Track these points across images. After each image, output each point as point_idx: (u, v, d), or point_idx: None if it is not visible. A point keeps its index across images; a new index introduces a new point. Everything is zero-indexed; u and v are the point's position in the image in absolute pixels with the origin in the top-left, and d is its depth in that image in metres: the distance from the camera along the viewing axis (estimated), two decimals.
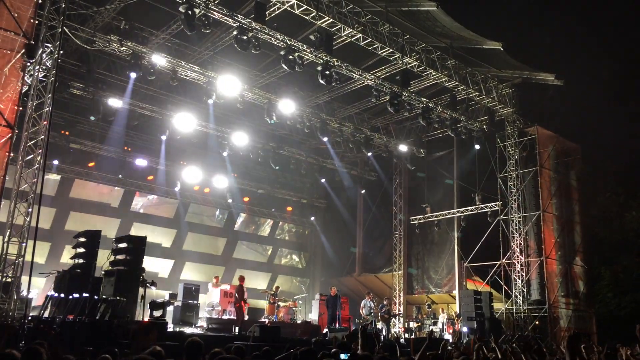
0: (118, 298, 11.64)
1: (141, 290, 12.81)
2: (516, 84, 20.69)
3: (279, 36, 15.32)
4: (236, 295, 16.08)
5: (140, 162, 22.07)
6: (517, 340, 17.21)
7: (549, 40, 26.90)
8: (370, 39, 16.12)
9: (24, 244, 12.02)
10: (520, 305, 19.73)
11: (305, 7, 14.64)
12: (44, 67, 13.10)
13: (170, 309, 16.03)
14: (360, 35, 15.91)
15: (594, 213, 23.77)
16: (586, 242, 21.88)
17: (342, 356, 5.41)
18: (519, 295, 19.82)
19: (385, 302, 19.54)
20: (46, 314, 11.82)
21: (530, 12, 26.78)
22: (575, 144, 22.25)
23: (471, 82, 19.17)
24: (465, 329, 18.04)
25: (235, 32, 14.52)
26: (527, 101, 21.11)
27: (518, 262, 20.14)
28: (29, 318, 11.60)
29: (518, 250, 20.26)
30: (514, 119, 20.89)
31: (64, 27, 13.27)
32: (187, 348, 5.02)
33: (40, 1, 12.35)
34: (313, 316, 20.19)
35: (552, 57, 24.52)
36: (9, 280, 11.84)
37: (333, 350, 5.95)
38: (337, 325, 17.21)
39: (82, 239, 12.32)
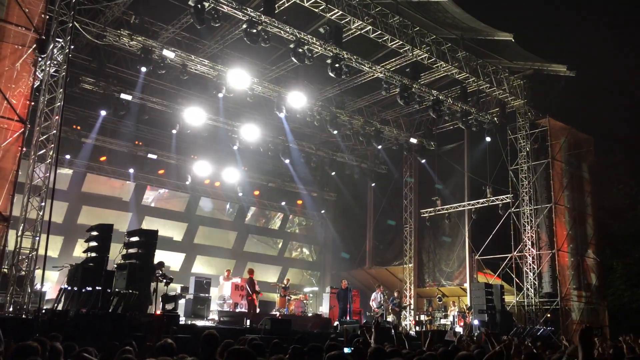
0: (130, 291, 11.73)
1: (153, 283, 12.92)
2: (527, 75, 20.50)
3: (288, 29, 15.28)
4: (247, 288, 16.16)
5: (151, 156, 22.14)
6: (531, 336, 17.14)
7: (560, 31, 26.63)
8: (380, 31, 16.03)
9: (37, 238, 12.15)
10: (531, 298, 19.64)
11: None
12: (55, 62, 13.17)
13: (182, 302, 16.16)
14: (370, 27, 15.83)
15: (606, 205, 23.56)
16: (598, 234, 21.72)
17: (346, 349, 5.31)
18: (531, 288, 19.74)
19: (395, 295, 19.55)
20: (60, 307, 11.93)
21: (541, 2, 26.47)
22: (587, 136, 22.05)
23: (482, 73, 19.03)
24: (476, 322, 18.01)
25: (244, 26, 14.49)
26: (538, 93, 20.92)
27: (529, 255, 20.04)
28: (43, 311, 11.72)
29: (529, 242, 20.16)
30: (526, 110, 20.73)
31: (75, 22, 13.32)
32: (204, 341, 5.04)
33: None
34: (324, 309, 20.24)
35: (564, 47, 24.28)
36: (23, 273, 11.98)
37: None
38: (348, 318, 17.25)
39: (95, 233, 12.41)
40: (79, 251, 17.37)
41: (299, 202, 28.29)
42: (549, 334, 18.01)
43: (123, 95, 18.03)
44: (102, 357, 5.14)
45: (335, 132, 20.96)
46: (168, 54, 16.20)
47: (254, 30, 14.45)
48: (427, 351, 5.72)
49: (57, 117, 12.68)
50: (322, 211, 28.54)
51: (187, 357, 4.77)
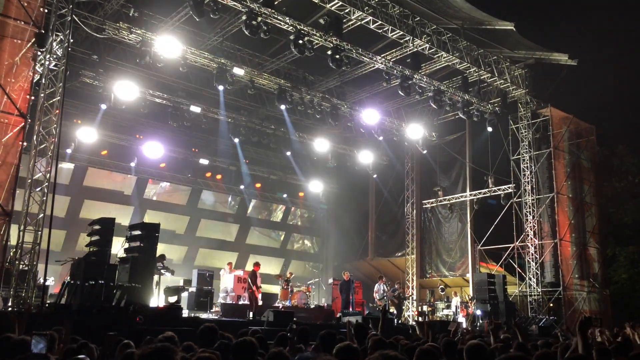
0: (133, 284, 11.75)
1: (155, 277, 12.95)
2: (529, 64, 20.42)
3: (288, 20, 15.19)
4: (249, 280, 16.20)
5: (153, 149, 22.07)
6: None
7: (562, 19, 26.49)
8: (380, 22, 15.94)
9: (39, 232, 12.17)
10: (534, 288, 19.65)
11: None
12: (54, 56, 13.14)
13: (185, 295, 16.19)
14: (370, 18, 15.74)
15: (608, 194, 23.53)
16: (600, 223, 21.69)
17: None
18: (533, 277, 19.74)
19: (397, 286, 19.55)
20: (63, 301, 11.96)
21: None
22: (589, 125, 21.97)
23: (483, 63, 18.94)
24: (478, 312, 18.04)
25: (244, 17, 14.43)
26: (540, 82, 20.83)
27: (532, 245, 20.03)
28: (47, 305, 11.75)
29: (532, 232, 20.14)
30: (527, 100, 20.64)
31: (74, 16, 13.27)
32: (201, 334, 5.04)
33: None
34: (327, 301, 20.28)
35: (566, 36, 24.12)
36: (25, 268, 12.01)
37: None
38: (351, 309, 17.28)
39: (97, 227, 12.40)
40: (82, 245, 17.38)
41: (301, 194, 28.28)
42: (551, 323, 18.03)
43: (120, 91, 17.94)
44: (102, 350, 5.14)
45: (336, 123, 20.91)
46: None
47: (254, 22, 14.38)
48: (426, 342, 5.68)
49: (57, 111, 12.67)
50: (324, 203, 28.52)
51: (193, 346, 4.75)
